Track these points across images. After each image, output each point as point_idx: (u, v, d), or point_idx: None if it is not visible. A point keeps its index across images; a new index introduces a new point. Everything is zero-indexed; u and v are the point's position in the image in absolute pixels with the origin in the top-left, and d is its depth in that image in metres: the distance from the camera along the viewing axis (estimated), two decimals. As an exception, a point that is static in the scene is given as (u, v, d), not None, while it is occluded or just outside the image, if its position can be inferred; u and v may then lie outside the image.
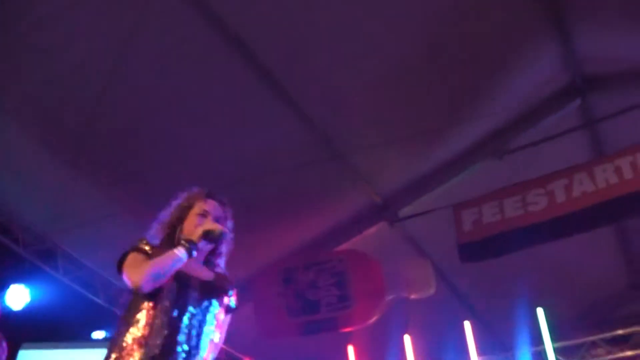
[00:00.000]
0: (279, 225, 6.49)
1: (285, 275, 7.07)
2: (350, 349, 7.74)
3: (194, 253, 2.71)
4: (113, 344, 2.59)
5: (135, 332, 2.57)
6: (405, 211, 6.94)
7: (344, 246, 7.17)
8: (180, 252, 2.66)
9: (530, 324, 7.70)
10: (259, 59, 4.97)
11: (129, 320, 2.61)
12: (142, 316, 2.60)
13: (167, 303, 2.62)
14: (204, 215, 2.86)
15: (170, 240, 2.82)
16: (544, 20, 5.42)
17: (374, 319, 7.01)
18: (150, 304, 2.61)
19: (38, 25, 4.36)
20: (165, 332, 2.57)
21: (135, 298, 2.67)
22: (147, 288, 2.58)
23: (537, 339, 7.68)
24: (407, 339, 7.99)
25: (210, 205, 2.91)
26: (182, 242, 2.71)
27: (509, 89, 5.93)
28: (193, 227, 2.80)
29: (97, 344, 6.75)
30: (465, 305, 7.97)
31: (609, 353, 7.76)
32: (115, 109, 5.01)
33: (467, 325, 7.83)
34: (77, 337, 6.91)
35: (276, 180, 5.86)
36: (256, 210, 5.73)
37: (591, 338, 7.80)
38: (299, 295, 6.99)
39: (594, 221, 6.39)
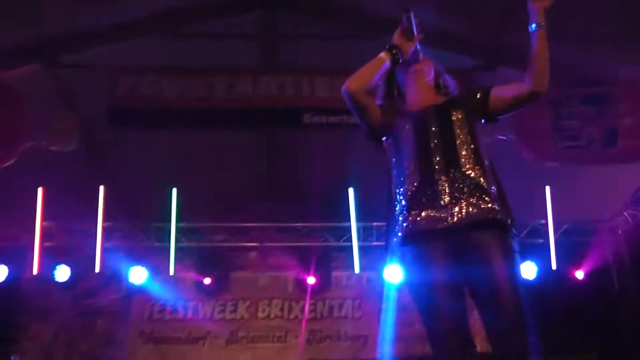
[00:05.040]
0: None
1: None
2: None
3: (400, 57, 2.70)
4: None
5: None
6: (66, 58, 6.51)
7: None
8: (382, 54, 2.69)
9: (164, 201, 8.05)
10: None
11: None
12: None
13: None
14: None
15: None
16: None
17: (7, 164, 6.54)
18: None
19: None
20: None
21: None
22: (354, 86, 2.64)
23: (167, 217, 8.10)
24: (40, 192, 7.81)
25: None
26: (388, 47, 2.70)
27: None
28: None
29: None
30: (105, 169, 7.91)
31: (227, 241, 8.48)
32: None
33: (101, 189, 7.90)
34: None
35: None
36: None
37: (213, 224, 8.40)
38: None
39: (246, 122, 6.84)
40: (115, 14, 6.13)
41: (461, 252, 2.42)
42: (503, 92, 2.71)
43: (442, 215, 2.43)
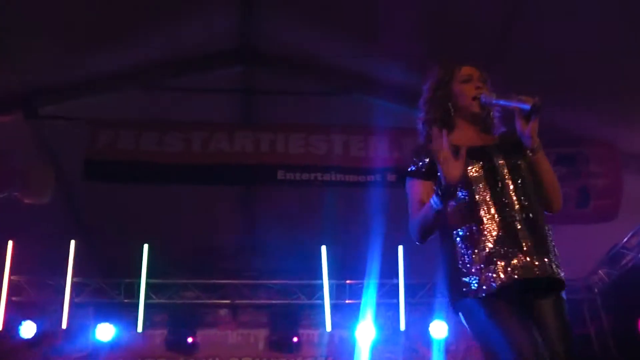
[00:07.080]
0: None
1: None
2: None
3: (439, 201, 2.44)
4: None
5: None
6: (45, 109, 6.57)
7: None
8: (432, 200, 2.45)
9: (136, 256, 8.03)
10: None
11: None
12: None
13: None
14: (468, 79, 2.67)
15: (448, 121, 2.67)
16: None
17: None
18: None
19: None
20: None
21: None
22: (424, 241, 2.58)
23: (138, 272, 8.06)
24: (10, 245, 7.74)
25: (469, 69, 2.72)
26: (436, 189, 2.44)
27: (179, 30, 6.02)
28: (468, 95, 2.64)
29: None
30: (75, 223, 7.89)
31: (197, 298, 8.41)
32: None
33: (72, 244, 7.87)
34: None
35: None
36: None
37: (183, 281, 8.35)
38: None
39: (221, 178, 6.89)
40: (96, 66, 6.24)
41: (526, 303, 2.47)
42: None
43: (529, 264, 2.43)
